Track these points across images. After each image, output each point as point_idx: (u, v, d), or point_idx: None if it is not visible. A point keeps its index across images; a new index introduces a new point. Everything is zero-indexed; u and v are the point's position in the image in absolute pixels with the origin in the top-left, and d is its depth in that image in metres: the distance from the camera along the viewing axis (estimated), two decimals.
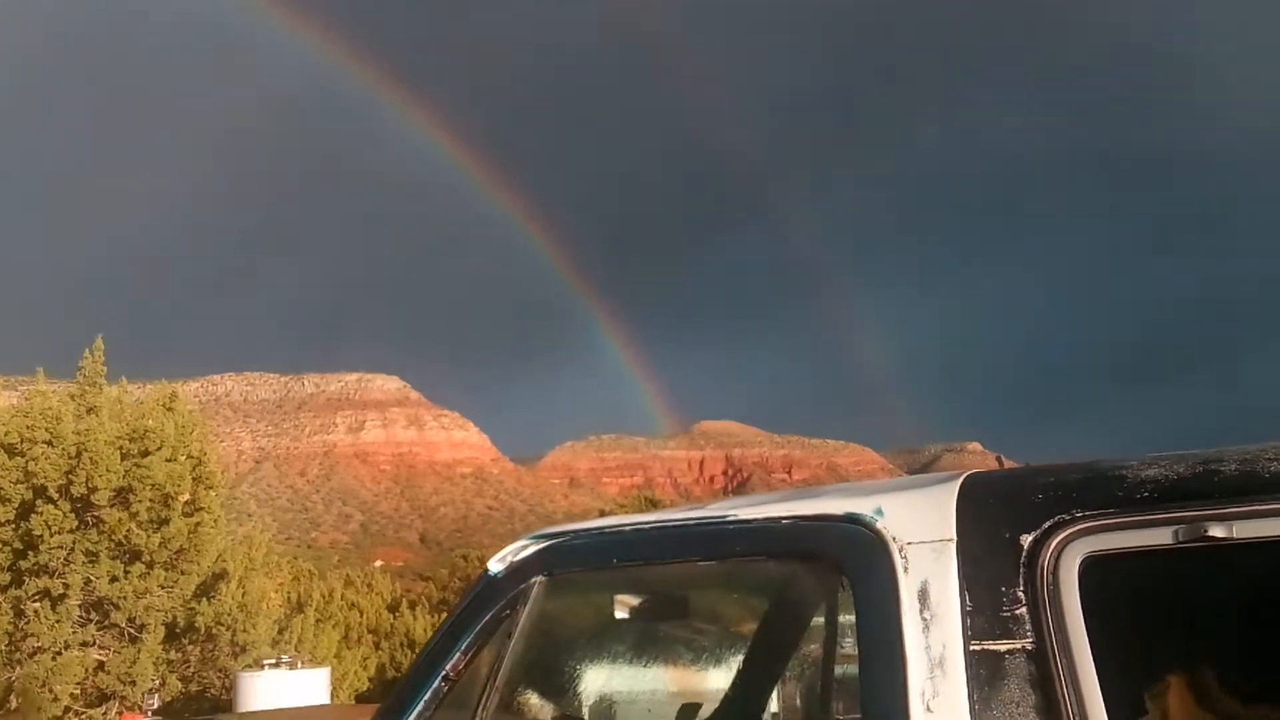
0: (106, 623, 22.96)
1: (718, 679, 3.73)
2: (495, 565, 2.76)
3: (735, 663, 3.66)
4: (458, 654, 2.68)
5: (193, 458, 23.23)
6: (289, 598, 30.81)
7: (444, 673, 2.67)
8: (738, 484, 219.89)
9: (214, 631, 24.01)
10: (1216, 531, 1.98)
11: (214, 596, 24.06)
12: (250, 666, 23.27)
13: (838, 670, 3.21)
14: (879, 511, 2.28)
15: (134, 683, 22.40)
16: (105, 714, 22.45)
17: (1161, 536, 2.02)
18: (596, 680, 3.58)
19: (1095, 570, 2.04)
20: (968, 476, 2.32)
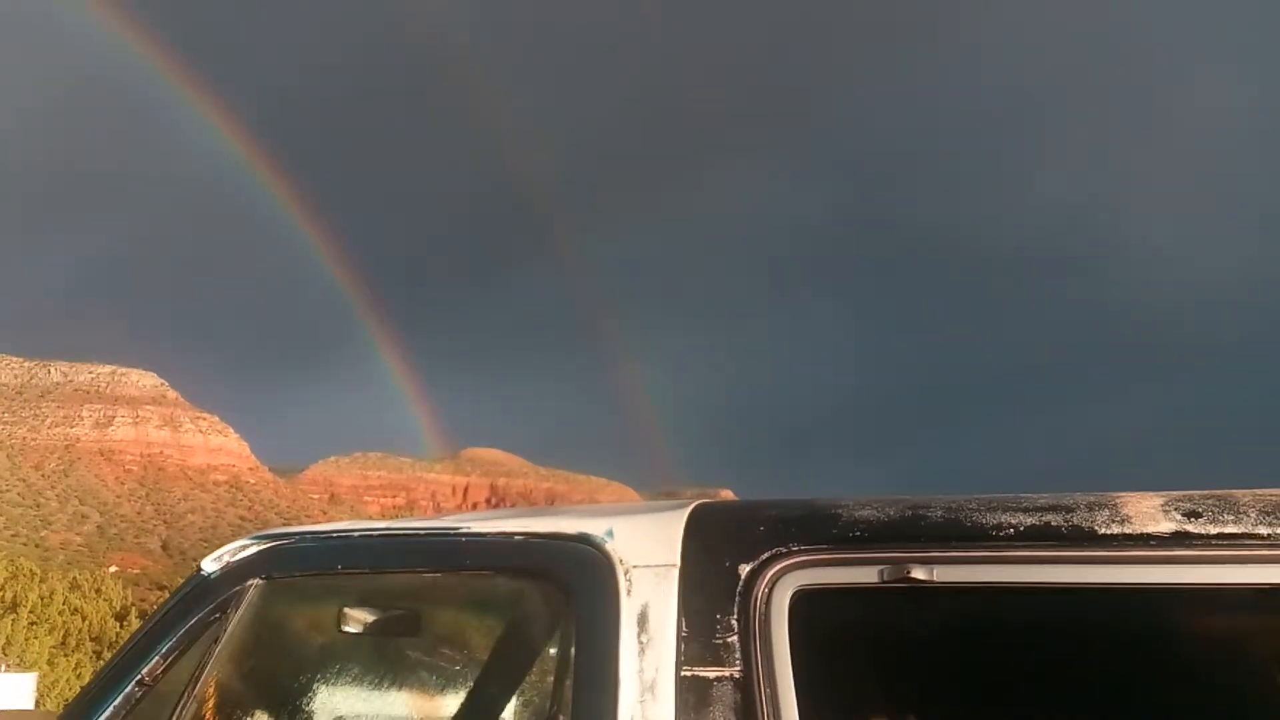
0: None
1: (449, 698, 3.63)
2: (209, 564, 2.61)
3: (465, 682, 3.58)
4: (156, 657, 2.51)
5: None
6: (3, 597, 28.33)
7: (139, 677, 2.50)
8: None
9: None
10: (919, 574, 2.08)
11: None
12: None
13: (567, 691, 3.19)
14: (610, 533, 2.28)
15: None
16: None
17: (868, 575, 2.10)
18: (316, 695, 3.42)
19: (805, 604, 2.11)
20: (697, 505, 2.36)
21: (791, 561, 2.12)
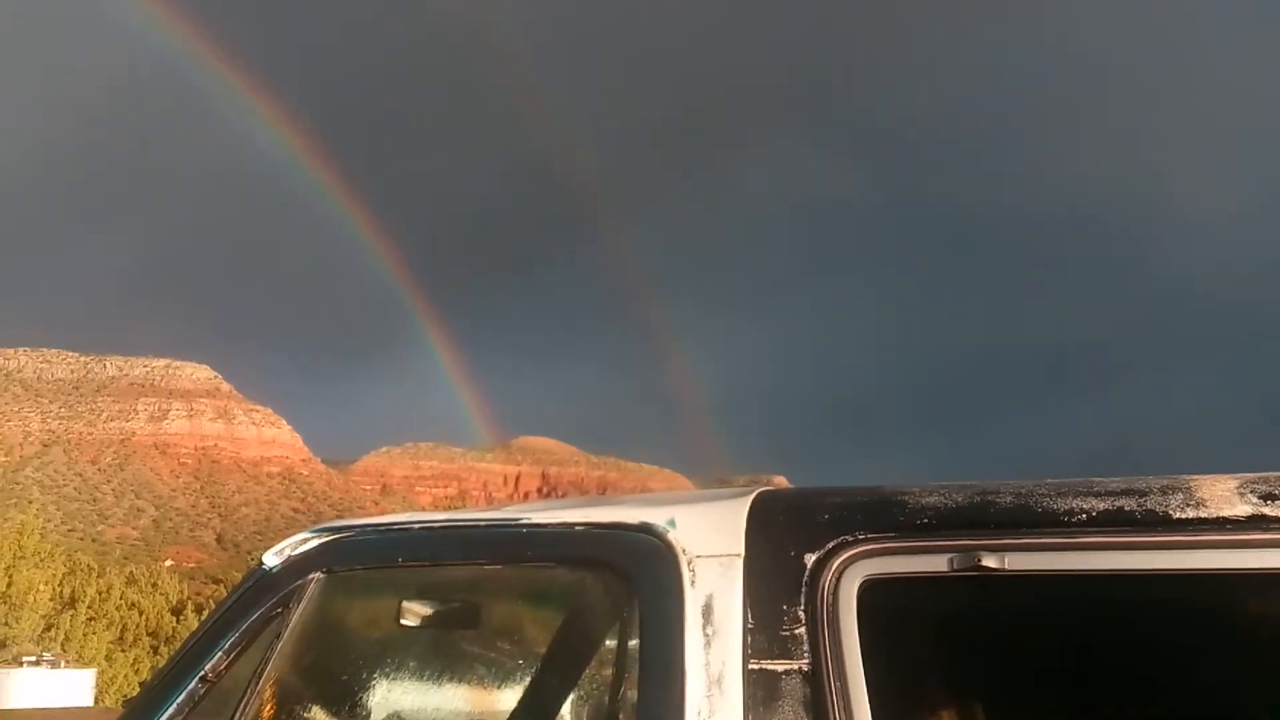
0: None
1: (508, 692, 3.63)
2: (271, 559, 2.61)
3: (526, 675, 3.57)
4: (219, 653, 2.51)
5: None
6: (61, 592, 28.78)
7: (202, 673, 2.50)
8: None
9: None
10: (989, 562, 2.03)
11: None
12: (7, 663, 21.64)
13: (628, 685, 3.17)
14: (671, 522, 2.25)
15: None
16: None
17: (938, 563, 2.06)
18: (375, 689, 3.43)
19: (874, 593, 2.07)
20: (760, 493, 2.32)
21: (858, 550, 2.08)
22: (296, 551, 2.59)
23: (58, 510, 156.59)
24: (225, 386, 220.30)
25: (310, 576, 2.54)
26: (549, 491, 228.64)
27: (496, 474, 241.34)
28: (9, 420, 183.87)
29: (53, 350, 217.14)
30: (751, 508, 2.25)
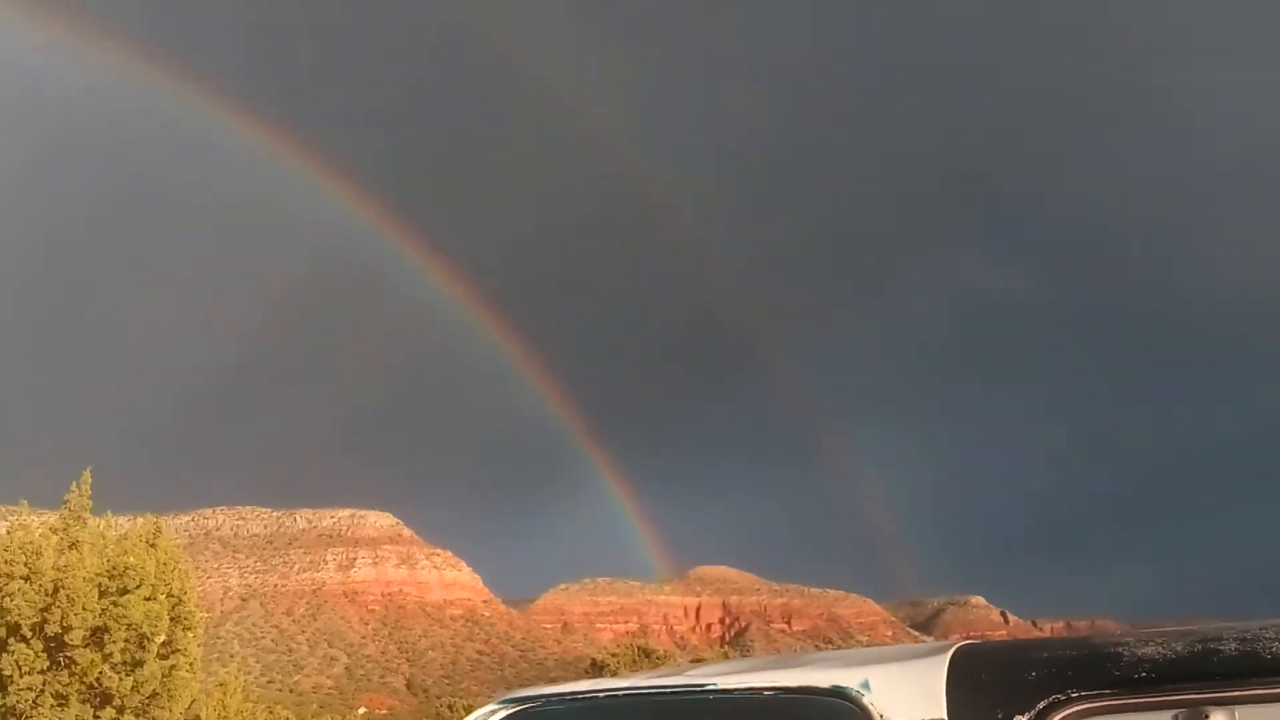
0: None
1: None
2: None
3: None
4: None
5: (172, 596, 22.71)
6: None
7: None
8: (735, 633, 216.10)
9: None
10: (1218, 717, 1.87)
11: None
12: None
13: None
14: (865, 685, 2.15)
15: None
16: None
17: None
18: None
19: None
20: (958, 648, 2.20)
21: (1072, 710, 1.94)
22: None
23: (257, 663, 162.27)
24: (406, 532, 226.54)
25: None
26: (731, 622, 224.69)
27: (676, 606, 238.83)
28: (209, 577, 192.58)
29: (247, 507, 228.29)
30: (951, 665, 2.13)
